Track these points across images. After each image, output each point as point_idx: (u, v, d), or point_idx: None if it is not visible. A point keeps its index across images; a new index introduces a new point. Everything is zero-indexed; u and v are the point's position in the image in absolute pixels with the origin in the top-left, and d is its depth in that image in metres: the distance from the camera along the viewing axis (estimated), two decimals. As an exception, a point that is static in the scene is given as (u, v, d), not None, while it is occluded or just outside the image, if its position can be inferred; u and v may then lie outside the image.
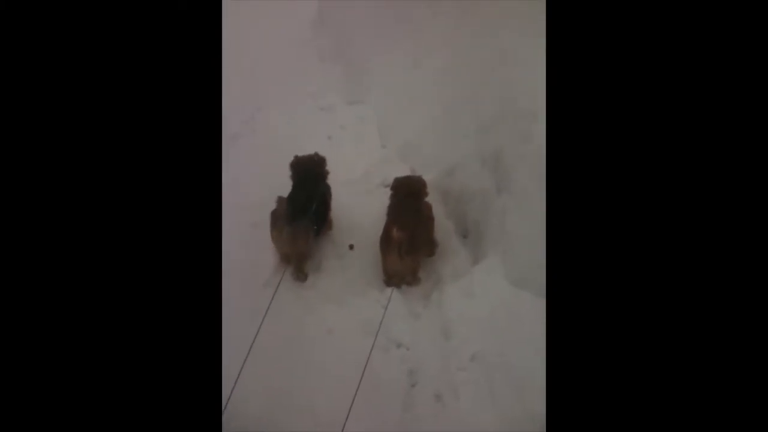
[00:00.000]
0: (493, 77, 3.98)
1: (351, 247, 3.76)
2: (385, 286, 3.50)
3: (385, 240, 3.42)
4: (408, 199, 3.58)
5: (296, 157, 3.73)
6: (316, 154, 3.79)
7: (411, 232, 3.35)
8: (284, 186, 3.67)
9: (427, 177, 4.12)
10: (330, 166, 3.87)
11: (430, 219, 3.62)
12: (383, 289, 3.46)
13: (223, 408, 2.49)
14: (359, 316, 3.29)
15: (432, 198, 3.83)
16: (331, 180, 3.89)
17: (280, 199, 3.37)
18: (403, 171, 4.31)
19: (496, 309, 3.17)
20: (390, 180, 4.20)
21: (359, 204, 4.06)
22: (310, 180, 3.58)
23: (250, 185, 3.92)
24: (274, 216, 3.36)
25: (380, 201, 4.04)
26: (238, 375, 2.66)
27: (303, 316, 3.31)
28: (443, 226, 3.80)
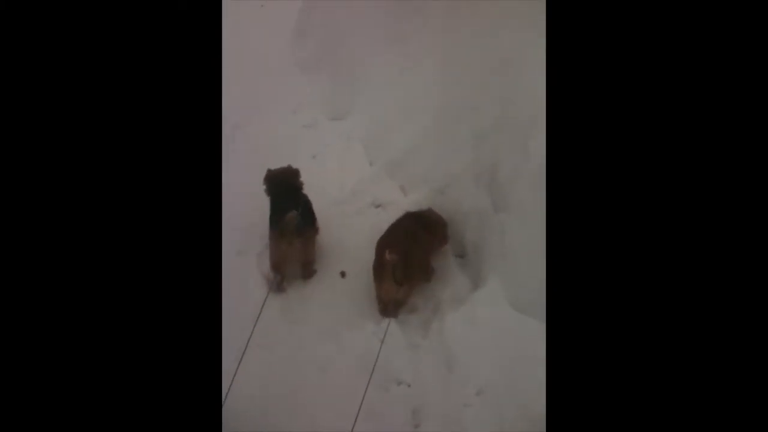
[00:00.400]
0: (486, 88, 3.78)
1: (343, 274, 3.53)
2: (381, 316, 3.26)
3: (379, 265, 3.19)
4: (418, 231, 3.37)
5: (270, 171, 3.63)
6: (290, 167, 3.68)
7: (405, 255, 3.13)
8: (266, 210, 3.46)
9: (418, 195, 3.95)
10: (316, 186, 3.72)
11: (430, 242, 3.39)
12: (379, 321, 3.22)
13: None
14: (355, 352, 3.05)
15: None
16: (318, 201, 3.68)
17: (293, 214, 3.24)
18: (392, 189, 4.13)
19: (500, 337, 2.96)
20: (380, 199, 4.04)
21: (348, 226, 3.84)
22: (289, 192, 3.48)
23: (230, 210, 3.67)
24: (283, 229, 3.24)
25: (371, 222, 3.86)
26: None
27: (293, 353, 3.06)
28: (438, 248, 3.59)
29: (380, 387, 2.87)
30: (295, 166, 3.82)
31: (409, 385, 2.95)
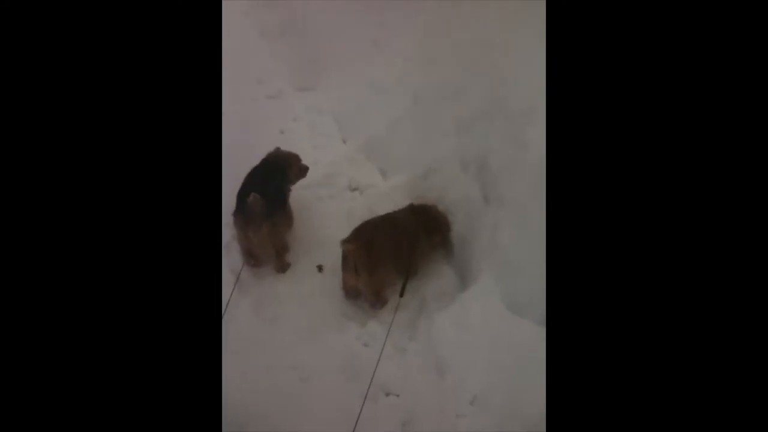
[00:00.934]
0: (476, 67, 3.52)
1: (320, 268, 3.23)
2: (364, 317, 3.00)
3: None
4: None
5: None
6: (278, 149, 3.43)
7: (368, 246, 2.93)
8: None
9: (398, 179, 3.67)
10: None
11: (423, 239, 3.16)
12: (364, 322, 2.96)
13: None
14: (337, 358, 2.78)
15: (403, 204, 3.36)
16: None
17: (254, 197, 2.98)
18: (369, 171, 3.84)
19: (494, 340, 2.75)
20: (357, 182, 3.74)
21: (324, 213, 3.54)
22: (268, 173, 3.24)
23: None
24: (250, 215, 3.02)
25: (347, 208, 3.58)
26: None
27: (267, 358, 2.76)
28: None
29: (368, 397, 2.62)
30: (261, 142, 3.49)
31: (398, 395, 2.72)
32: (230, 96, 3.99)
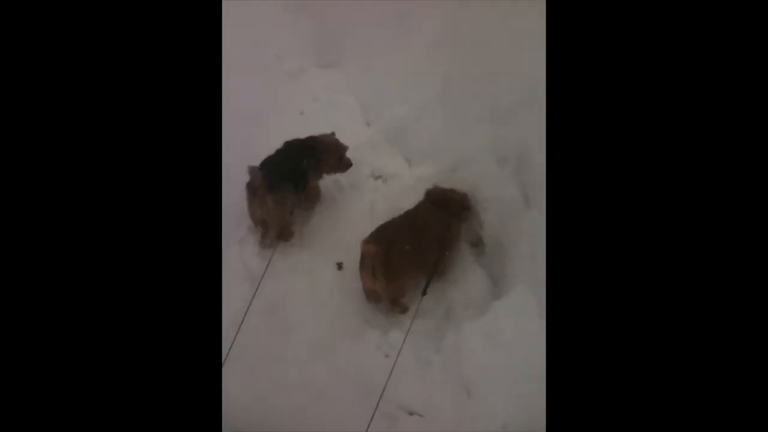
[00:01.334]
0: (516, 45, 3.15)
1: (340, 266, 2.98)
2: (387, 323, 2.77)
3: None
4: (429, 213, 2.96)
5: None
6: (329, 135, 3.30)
7: (387, 251, 2.72)
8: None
9: (425, 170, 3.40)
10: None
11: (439, 237, 2.91)
12: (386, 329, 2.72)
13: None
14: (356, 370, 2.55)
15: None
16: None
17: (252, 169, 2.95)
18: (394, 159, 3.57)
19: (530, 362, 2.45)
20: (381, 170, 3.48)
21: (345, 204, 3.29)
22: (296, 151, 3.14)
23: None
24: (251, 187, 3.01)
25: (370, 199, 3.33)
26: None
27: (280, 368, 2.54)
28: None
29: (388, 416, 2.40)
30: (282, 123, 3.45)
31: (421, 416, 2.48)
32: (248, 72, 3.84)
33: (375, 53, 3.95)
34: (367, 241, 2.74)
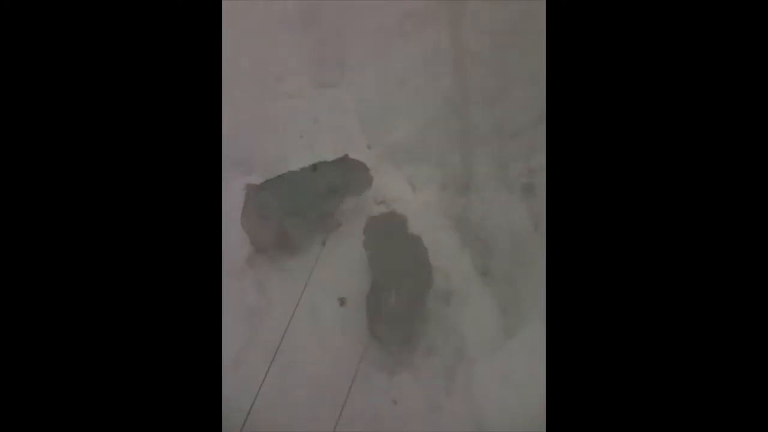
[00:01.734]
0: (523, 61, 3.00)
1: (342, 301, 2.82)
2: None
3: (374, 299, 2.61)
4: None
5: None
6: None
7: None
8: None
9: (430, 194, 3.26)
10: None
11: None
12: (393, 370, 2.55)
13: None
14: (360, 416, 2.38)
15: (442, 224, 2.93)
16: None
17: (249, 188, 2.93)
18: (397, 183, 3.43)
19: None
20: (383, 195, 3.34)
21: (347, 231, 3.12)
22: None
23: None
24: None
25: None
26: None
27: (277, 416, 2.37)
28: (458, 263, 2.91)
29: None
30: (281, 147, 3.41)
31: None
32: (245, 93, 3.72)
33: (376, 70, 3.83)
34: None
